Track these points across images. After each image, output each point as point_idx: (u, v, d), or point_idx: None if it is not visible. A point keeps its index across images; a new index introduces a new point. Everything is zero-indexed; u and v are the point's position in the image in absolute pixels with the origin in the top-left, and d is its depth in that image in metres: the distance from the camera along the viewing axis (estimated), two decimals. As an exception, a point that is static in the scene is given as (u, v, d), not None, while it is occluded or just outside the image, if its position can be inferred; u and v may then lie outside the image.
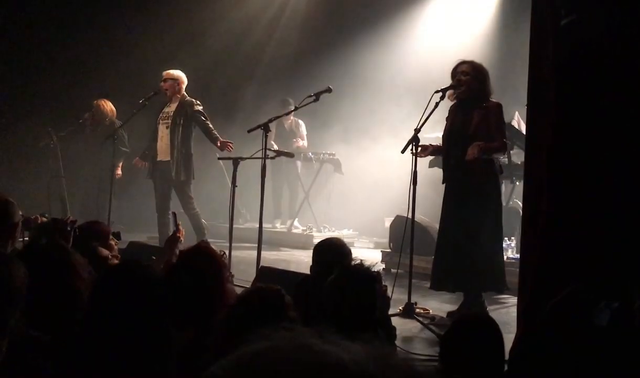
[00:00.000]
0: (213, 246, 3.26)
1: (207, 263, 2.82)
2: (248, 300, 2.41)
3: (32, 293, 1.97)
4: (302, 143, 9.50)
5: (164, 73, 7.28)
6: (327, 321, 2.74)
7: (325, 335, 0.83)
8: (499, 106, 5.19)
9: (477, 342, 2.50)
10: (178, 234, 3.80)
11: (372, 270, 2.93)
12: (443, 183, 5.38)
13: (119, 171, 8.02)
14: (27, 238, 3.80)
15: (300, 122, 9.58)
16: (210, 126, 7.14)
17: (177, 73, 7.28)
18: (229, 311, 2.38)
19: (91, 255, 3.48)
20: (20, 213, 3.88)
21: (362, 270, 2.92)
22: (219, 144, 7.02)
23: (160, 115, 7.27)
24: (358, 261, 3.05)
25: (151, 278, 2.22)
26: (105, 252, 3.28)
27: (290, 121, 9.47)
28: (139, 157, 7.51)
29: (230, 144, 6.95)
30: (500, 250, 5.30)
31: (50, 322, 2.18)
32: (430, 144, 5.40)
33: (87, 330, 2.08)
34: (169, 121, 7.15)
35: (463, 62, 5.25)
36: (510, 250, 6.70)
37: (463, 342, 2.51)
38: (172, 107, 7.20)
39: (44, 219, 4.03)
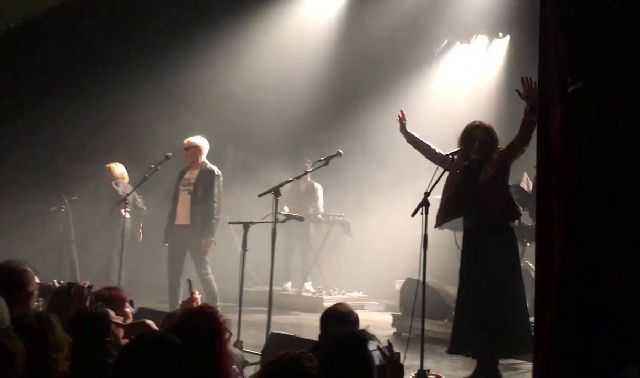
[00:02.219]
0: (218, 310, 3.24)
1: (209, 325, 2.82)
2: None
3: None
4: (317, 206, 9.52)
5: (185, 141, 7.34)
6: None
7: None
8: (496, 150, 5.25)
9: None
10: (194, 303, 3.80)
11: (366, 333, 2.80)
12: (435, 227, 5.42)
13: (140, 234, 8.11)
14: (41, 306, 3.81)
15: (317, 185, 9.62)
16: (215, 217, 7.14)
17: (199, 141, 7.35)
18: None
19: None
20: (37, 280, 3.90)
21: (353, 334, 2.81)
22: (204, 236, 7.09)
23: (182, 181, 7.33)
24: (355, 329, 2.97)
25: (175, 350, 2.23)
26: (118, 320, 3.24)
27: (306, 183, 9.54)
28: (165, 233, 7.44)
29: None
30: (524, 308, 5.18)
31: None
32: (406, 128, 5.63)
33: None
34: (191, 187, 7.21)
35: (478, 127, 5.29)
36: (523, 312, 6.60)
37: None
38: (193, 174, 7.27)
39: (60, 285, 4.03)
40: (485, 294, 5.06)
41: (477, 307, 5.08)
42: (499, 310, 5.01)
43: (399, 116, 5.71)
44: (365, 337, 2.72)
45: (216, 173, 7.24)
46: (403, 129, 5.69)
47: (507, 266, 5.11)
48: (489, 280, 5.06)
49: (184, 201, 7.22)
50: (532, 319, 5.56)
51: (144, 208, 8.12)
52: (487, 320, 5.02)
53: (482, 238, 5.17)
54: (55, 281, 4.34)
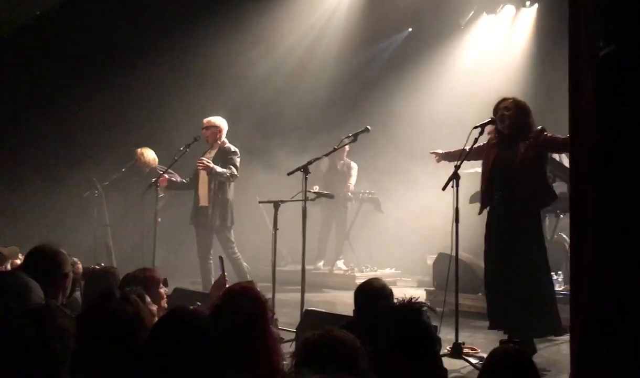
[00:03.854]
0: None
1: (252, 305, 2.82)
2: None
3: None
4: (349, 183, 9.49)
5: (205, 121, 7.37)
6: (383, 362, 2.67)
7: None
8: (542, 130, 5.09)
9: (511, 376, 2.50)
10: (224, 281, 3.83)
11: (417, 303, 2.85)
12: (479, 213, 5.36)
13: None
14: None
15: (353, 164, 9.60)
16: (230, 172, 7.10)
17: (218, 120, 7.37)
18: None
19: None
20: (75, 262, 3.97)
21: (406, 305, 2.85)
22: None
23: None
24: (401, 298, 2.98)
25: (204, 325, 2.24)
26: (152, 307, 3.25)
27: (343, 161, 9.52)
28: (167, 176, 7.44)
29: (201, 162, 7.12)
30: (550, 290, 5.10)
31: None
32: (441, 152, 5.82)
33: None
34: None
35: (505, 99, 5.19)
36: (557, 284, 6.54)
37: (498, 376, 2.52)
38: (212, 154, 7.29)
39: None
40: (508, 280, 5.00)
41: (501, 292, 5.04)
42: (523, 296, 4.94)
43: (434, 156, 5.90)
44: (417, 307, 2.79)
45: (233, 149, 7.23)
46: (440, 161, 5.88)
47: (532, 246, 5.02)
48: (514, 260, 4.98)
49: (203, 182, 7.25)
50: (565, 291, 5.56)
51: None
52: (513, 307, 4.98)
53: (507, 216, 5.08)
54: (95, 265, 4.43)
